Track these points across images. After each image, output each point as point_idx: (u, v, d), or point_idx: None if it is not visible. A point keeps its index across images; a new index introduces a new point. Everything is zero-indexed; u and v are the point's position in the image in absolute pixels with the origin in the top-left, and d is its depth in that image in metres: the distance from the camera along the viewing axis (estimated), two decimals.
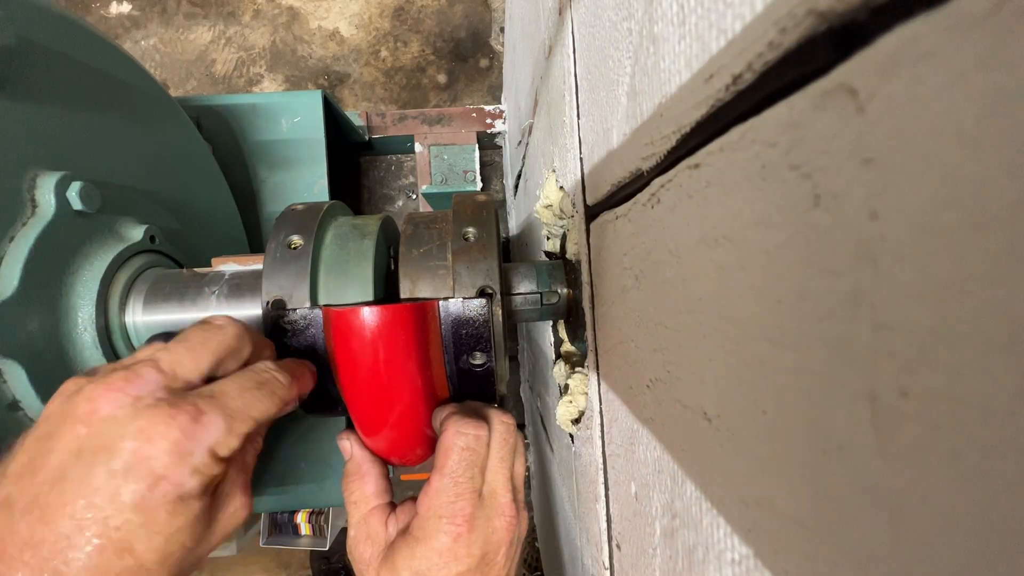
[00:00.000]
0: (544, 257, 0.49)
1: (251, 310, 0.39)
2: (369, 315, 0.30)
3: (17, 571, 0.21)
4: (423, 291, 0.34)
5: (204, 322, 0.29)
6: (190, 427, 0.23)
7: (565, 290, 0.39)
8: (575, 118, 0.34)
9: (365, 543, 0.30)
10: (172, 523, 0.23)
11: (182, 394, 0.25)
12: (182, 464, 0.23)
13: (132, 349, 0.41)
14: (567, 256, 0.41)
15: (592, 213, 0.32)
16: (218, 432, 0.24)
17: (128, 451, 0.22)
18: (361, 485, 0.32)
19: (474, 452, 0.28)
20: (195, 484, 0.24)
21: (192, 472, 0.23)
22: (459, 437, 0.30)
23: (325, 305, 0.34)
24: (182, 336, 0.28)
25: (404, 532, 0.29)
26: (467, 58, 1.22)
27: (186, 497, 0.23)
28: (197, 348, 0.27)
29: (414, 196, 1.16)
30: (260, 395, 0.26)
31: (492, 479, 0.29)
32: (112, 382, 0.24)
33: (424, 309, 0.32)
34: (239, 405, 0.25)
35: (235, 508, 0.26)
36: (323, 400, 0.35)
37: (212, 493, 0.25)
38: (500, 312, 0.34)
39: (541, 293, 0.39)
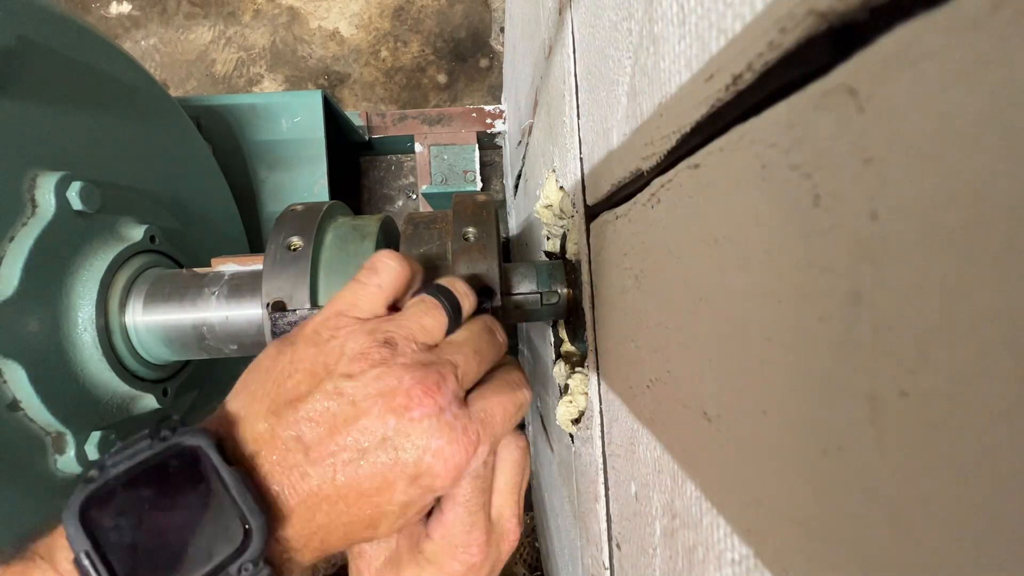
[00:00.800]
0: (544, 257, 0.49)
1: (251, 310, 0.39)
2: None
3: (296, 512, 0.24)
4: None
5: (480, 323, 0.30)
6: (468, 455, 0.25)
7: (565, 290, 0.39)
8: (575, 118, 0.34)
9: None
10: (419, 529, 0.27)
11: (466, 411, 0.26)
12: (453, 484, 0.26)
13: (132, 349, 0.41)
14: (567, 256, 0.41)
15: (592, 213, 0.32)
16: (483, 457, 0.26)
17: (425, 464, 0.25)
18: None
19: (484, 480, 0.29)
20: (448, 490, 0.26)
21: (452, 485, 0.26)
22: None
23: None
24: (466, 335, 0.28)
25: (414, 549, 0.29)
26: (467, 58, 1.22)
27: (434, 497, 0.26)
28: (480, 354, 0.28)
29: (414, 196, 1.16)
30: (516, 417, 0.28)
31: (501, 504, 0.29)
32: (427, 384, 0.25)
33: None
34: (501, 433, 0.27)
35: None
36: None
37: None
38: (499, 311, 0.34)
39: (541, 293, 0.39)
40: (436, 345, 0.27)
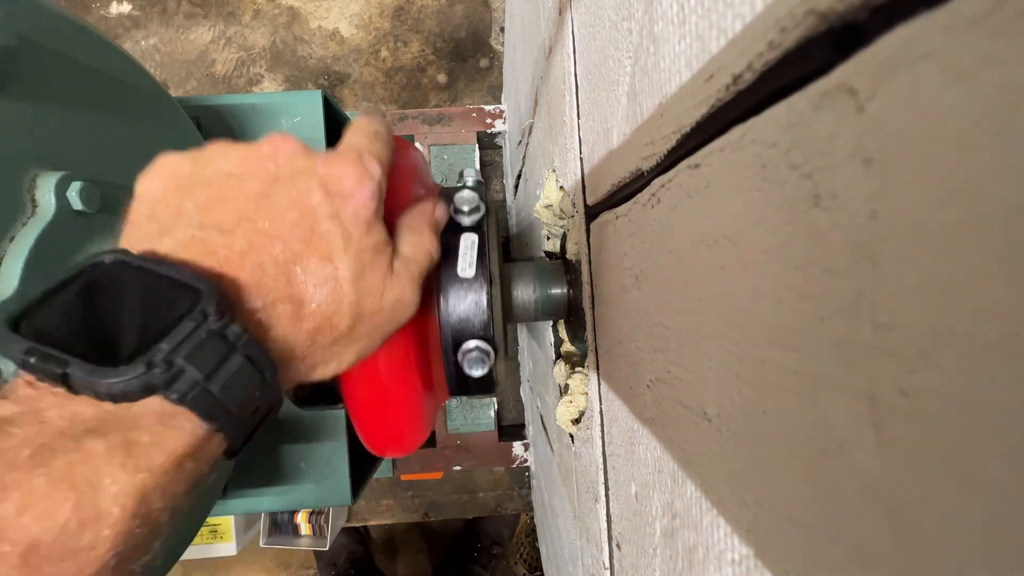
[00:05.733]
0: (544, 257, 0.49)
1: None
2: None
3: (240, 273, 0.23)
4: None
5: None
6: (361, 161, 0.25)
7: (565, 290, 0.39)
8: (575, 118, 0.34)
9: None
10: (363, 241, 0.25)
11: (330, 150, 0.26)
12: (364, 187, 0.25)
13: None
14: (567, 256, 0.41)
15: (592, 213, 0.32)
16: (378, 169, 0.26)
17: (322, 173, 0.24)
18: None
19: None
20: (374, 208, 0.25)
21: (371, 196, 0.25)
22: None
23: None
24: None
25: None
26: (467, 58, 1.22)
27: (372, 223, 0.25)
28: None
29: None
30: (381, 144, 0.28)
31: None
32: (278, 133, 0.26)
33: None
34: (376, 151, 0.27)
35: (398, 286, 0.27)
36: (319, 390, 0.35)
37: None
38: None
39: (541, 293, 0.39)
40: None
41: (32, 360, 0.19)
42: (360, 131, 0.29)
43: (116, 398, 0.19)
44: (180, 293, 0.21)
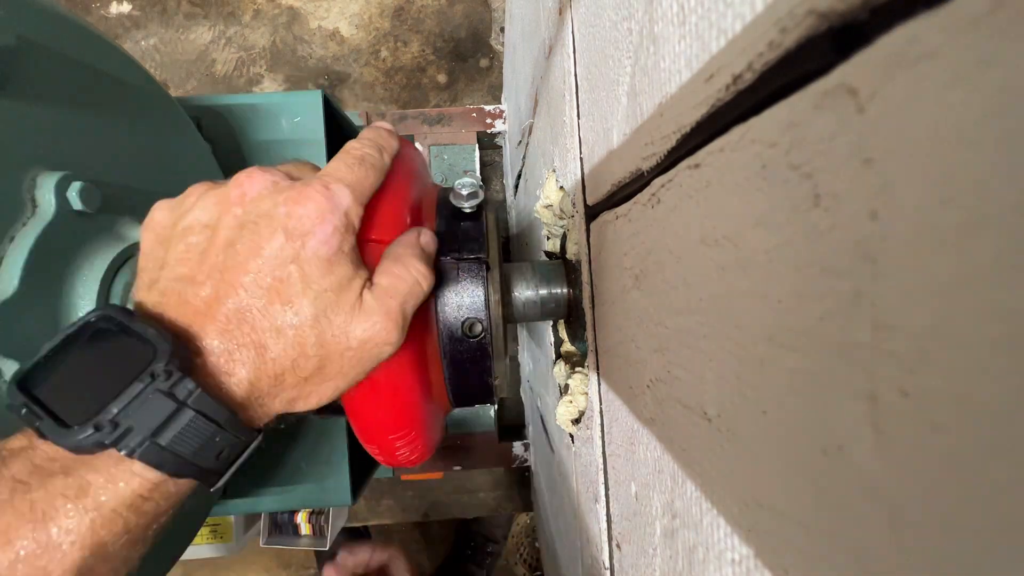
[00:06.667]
0: (544, 257, 0.49)
1: None
2: None
3: (206, 323, 0.24)
4: None
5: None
6: (325, 193, 0.25)
7: (565, 290, 0.39)
8: (575, 118, 0.34)
9: None
10: (323, 281, 0.25)
11: (304, 179, 0.27)
12: (325, 223, 0.25)
13: None
14: (567, 256, 0.41)
15: (592, 213, 0.32)
16: (347, 199, 0.26)
17: (283, 215, 0.25)
18: None
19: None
20: (336, 244, 0.26)
21: (334, 231, 0.25)
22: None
23: None
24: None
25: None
26: (467, 58, 1.22)
27: (334, 260, 0.25)
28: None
29: None
30: (365, 169, 0.28)
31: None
32: (247, 172, 0.26)
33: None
34: (353, 179, 0.27)
35: (373, 318, 0.27)
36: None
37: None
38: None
39: (541, 293, 0.39)
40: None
41: (23, 413, 0.22)
42: (345, 155, 0.29)
43: (74, 451, 0.22)
44: (141, 350, 0.23)
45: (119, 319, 0.24)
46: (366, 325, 0.26)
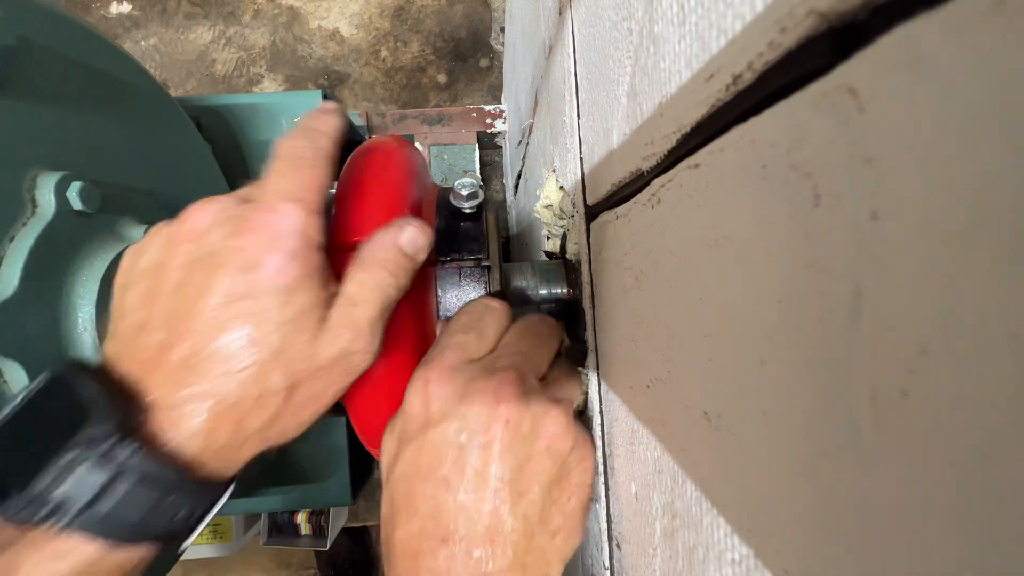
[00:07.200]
0: (544, 257, 0.49)
1: None
2: None
3: (155, 373, 0.23)
4: None
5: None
6: (271, 218, 0.24)
7: (565, 290, 0.39)
8: (575, 118, 0.34)
9: None
10: (282, 313, 0.23)
11: (250, 203, 0.25)
12: (275, 250, 0.23)
13: None
14: (567, 256, 0.41)
15: (592, 213, 0.32)
16: (294, 216, 0.24)
17: (232, 248, 0.23)
18: None
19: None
20: (294, 271, 0.24)
21: (289, 257, 0.23)
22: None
23: None
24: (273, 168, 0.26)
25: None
26: (467, 58, 1.22)
27: (293, 288, 0.24)
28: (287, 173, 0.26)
29: None
30: (303, 171, 0.25)
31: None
32: (198, 204, 0.25)
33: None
34: (295, 186, 0.25)
35: (339, 331, 0.25)
36: None
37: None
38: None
39: (541, 293, 0.39)
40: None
41: None
42: (277, 161, 0.26)
43: (15, 525, 0.21)
44: (83, 413, 0.21)
45: (67, 378, 0.22)
46: (333, 342, 0.24)
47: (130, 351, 0.23)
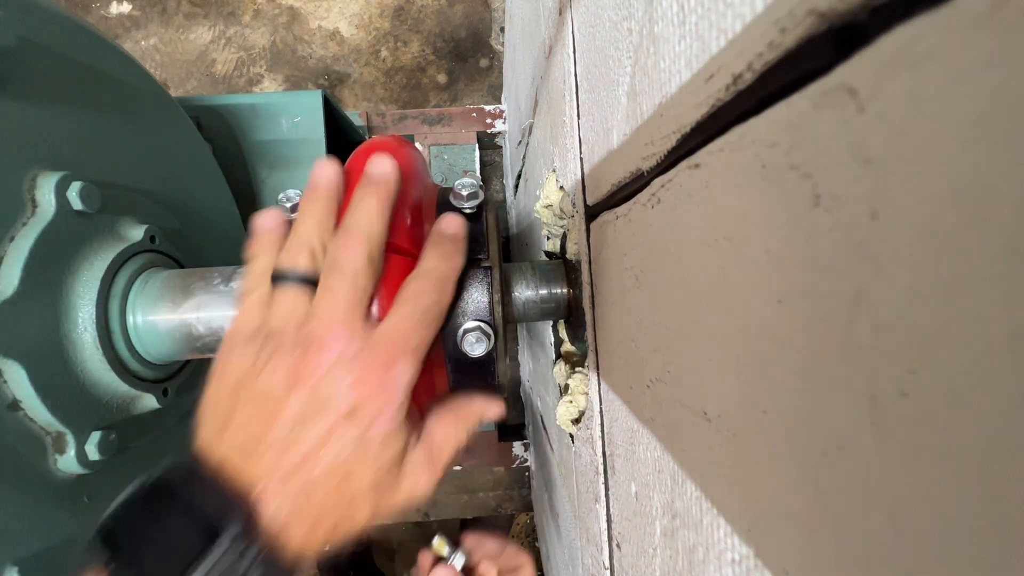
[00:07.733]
0: (544, 257, 0.49)
1: None
2: None
3: (270, 489, 0.25)
4: None
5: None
6: (391, 375, 0.27)
7: (565, 290, 0.39)
8: (575, 118, 0.34)
9: None
10: (383, 456, 0.27)
11: (374, 337, 0.27)
12: (389, 405, 0.27)
13: (132, 349, 0.41)
14: (567, 256, 0.41)
15: (592, 213, 0.32)
16: (408, 374, 0.27)
17: (353, 400, 0.26)
18: None
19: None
20: (397, 422, 0.27)
21: (397, 411, 0.27)
22: None
23: None
24: (331, 264, 0.28)
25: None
26: (467, 58, 1.22)
27: (393, 434, 0.27)
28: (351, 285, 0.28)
29: None
30: (428, 329, 0.29)
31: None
32: (322, 339, 0.27)
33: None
34: (418, 342, 0.28)
35: (415, 465, 0.29)
36: None
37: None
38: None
39: (541, 293, 0.39)
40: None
41: (111, 568, 0.24)
42: (410, 303, 0.28)
43: None
44: (215, 510, 0.24)
45: (187, 477, 0.25)
46: (415, 483, 0.28)
47: (245, 462, 0.26)
